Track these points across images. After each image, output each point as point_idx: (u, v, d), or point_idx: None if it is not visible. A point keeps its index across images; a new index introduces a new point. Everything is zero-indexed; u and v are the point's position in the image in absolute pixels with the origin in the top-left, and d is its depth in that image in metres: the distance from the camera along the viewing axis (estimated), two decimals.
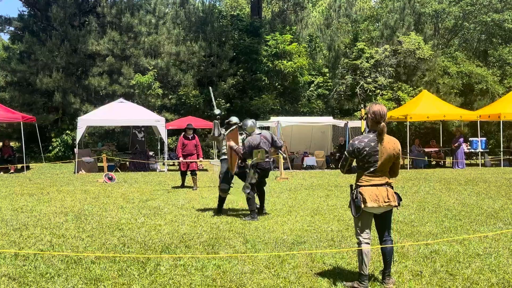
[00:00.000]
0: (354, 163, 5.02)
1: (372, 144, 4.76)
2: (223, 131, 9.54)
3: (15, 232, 7.53)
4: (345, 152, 4.96)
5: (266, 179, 9.28)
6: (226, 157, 9.36)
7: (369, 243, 4.84)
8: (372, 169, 4.79)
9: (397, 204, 4.81)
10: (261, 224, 8.01)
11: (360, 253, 4.81)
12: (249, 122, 8.96)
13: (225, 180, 9.26)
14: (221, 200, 9.34)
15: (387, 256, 4.88)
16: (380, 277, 5.01)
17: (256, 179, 8.76)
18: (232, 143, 9.03)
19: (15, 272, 5.39)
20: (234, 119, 9.51)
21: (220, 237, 7.06)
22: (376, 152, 4.75)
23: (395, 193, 4.86)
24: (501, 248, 6.34)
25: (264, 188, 9.29)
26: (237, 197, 10.77)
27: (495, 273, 5.27)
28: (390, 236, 4.98)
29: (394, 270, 5.31)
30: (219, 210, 9.29)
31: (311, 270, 5.41)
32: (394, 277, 5.04)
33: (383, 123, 4.76)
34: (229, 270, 5.42)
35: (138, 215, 9.01)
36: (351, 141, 4.93)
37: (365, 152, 4.75)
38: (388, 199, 4.75)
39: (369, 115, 4.84)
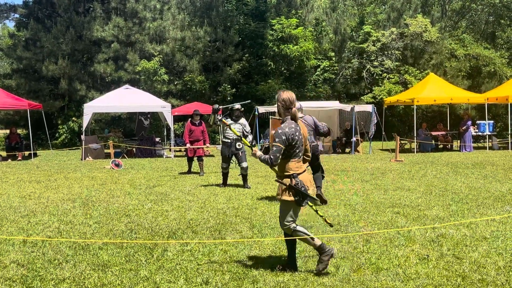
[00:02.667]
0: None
1: (298, 129, 4.83)
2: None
3: (23, 219, 7.59)
4: (277, 143, 4.71)
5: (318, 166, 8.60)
6: (226, 140, 10.81)
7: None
8: (300, 155, 4.87)
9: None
10: (268, 209, 8.02)
11: (302, 234, 4.84)
12: (297, 104, 8.61)
13: (224, 160, 10.85)
14: (224, 175, 11.01)
15: None
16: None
17: None
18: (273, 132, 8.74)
19: (23, 259, 5.43)
20: (236, 105, 10.62)
21: (227, 223, 7.08)
22: (301, 138, 4.84)
23: None
24: (508, 231, 6.31)
25: (318, 174, 8.60)
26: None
27: (502, 256, 5.26)
28: None
29: (401, 254, 5.31)
30: (224, 183, 11.02)
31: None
32: (400, 260, 5.03)
33: (294, 108, 4.82)
34: (236, 255, 5.45)
35: (145, 201, 9.05)
36: (279, 131, 4.76)
37: (296, 138, 4.79)
38: (311, 182, 4.91)
39: (279, 103, 4.88)
